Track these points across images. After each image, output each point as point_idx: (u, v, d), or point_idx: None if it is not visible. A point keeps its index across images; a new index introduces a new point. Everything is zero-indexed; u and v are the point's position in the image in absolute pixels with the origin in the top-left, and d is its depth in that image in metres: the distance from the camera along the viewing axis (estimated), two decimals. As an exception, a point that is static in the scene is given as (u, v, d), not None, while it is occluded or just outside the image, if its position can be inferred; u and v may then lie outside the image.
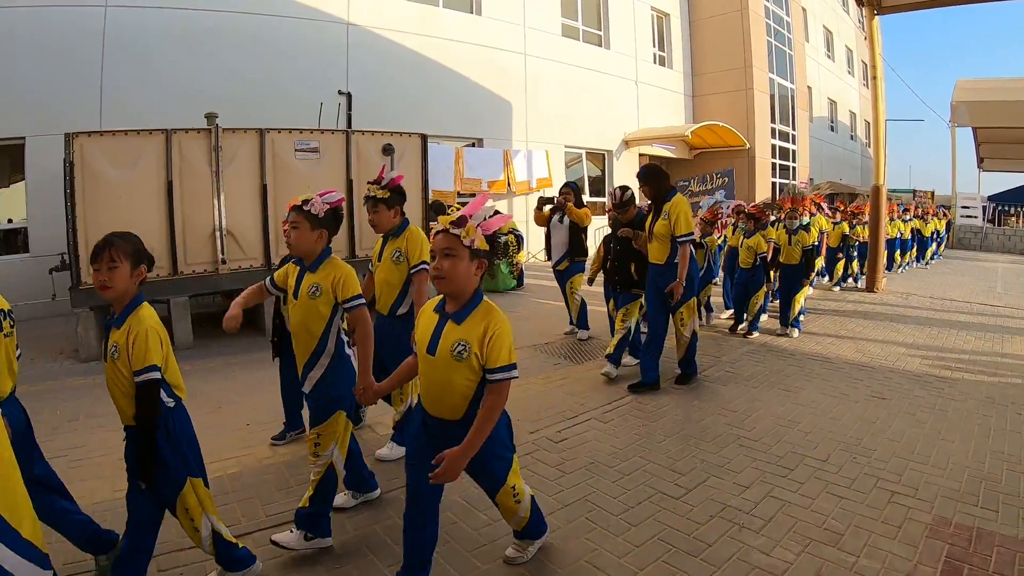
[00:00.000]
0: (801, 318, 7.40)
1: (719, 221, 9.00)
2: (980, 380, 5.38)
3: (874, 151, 10.67)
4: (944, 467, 3.64)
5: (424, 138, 8.86)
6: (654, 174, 5.03)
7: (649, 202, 5.17)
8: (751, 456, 3.80)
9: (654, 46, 19.59)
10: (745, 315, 7.13)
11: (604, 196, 17.95)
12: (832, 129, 28.94)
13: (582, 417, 4.54)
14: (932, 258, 16.53)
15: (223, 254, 7.05)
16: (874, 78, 10.30)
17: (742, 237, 7.12)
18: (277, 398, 4.19)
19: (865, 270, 11.73)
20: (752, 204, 7.81)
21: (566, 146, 16.61)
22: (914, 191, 26.15)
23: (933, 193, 26.84)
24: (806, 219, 7.35)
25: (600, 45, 17.83)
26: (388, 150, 8.08)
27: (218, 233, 7.02)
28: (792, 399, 4.83)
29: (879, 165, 10.53)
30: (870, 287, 10.68)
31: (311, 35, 12.03)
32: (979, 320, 8.26)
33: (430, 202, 12.71)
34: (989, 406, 4.69)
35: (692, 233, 4.85)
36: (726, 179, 16.89)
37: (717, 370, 5.67)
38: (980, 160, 28.21)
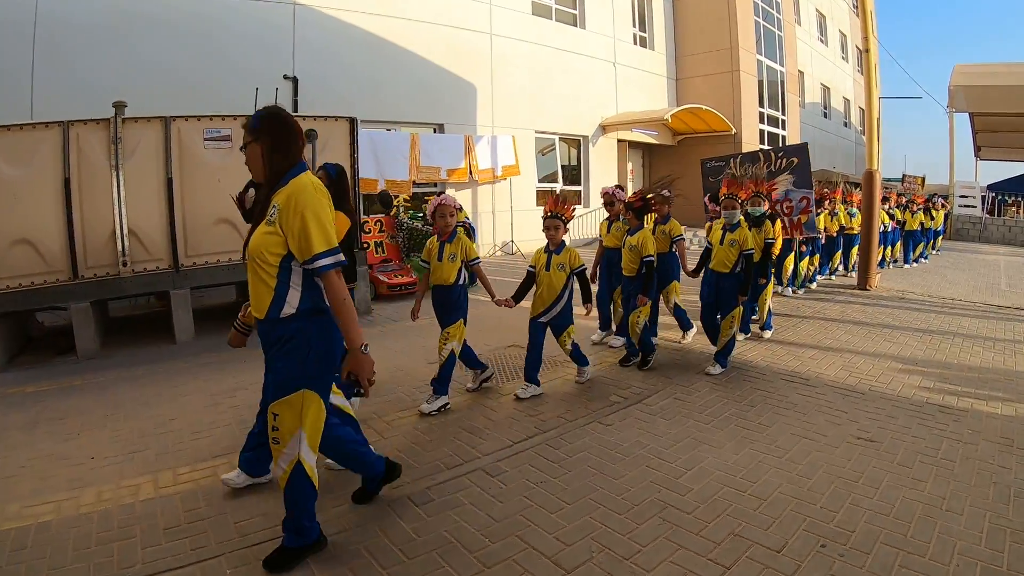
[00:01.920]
0: (759, 327, 6.29)
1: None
2: (993, 411, 4.25)
3: (867, 132, 9.51)
4: (948, 562, 2.51)
5: (352, 122, 7.93)
6: (275, 118, 2.60)
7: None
8: (675, 540, 2.67)
9: (634, 26, 18.37)
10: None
11: (579, 184, 16.90)
12: (825, 116, 27.76)
13: (465, 468, 3.41)
14: (920, 258, 13.54)
15: (125, 255, 6.41)
16: (866, 51, 9.15)
17: (625, 235, 5.41)
18: (150, 424, 4.16)
19: (832, 266, 10.61)
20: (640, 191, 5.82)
21: (536, 131, 15.44)
22: (903, 176, 24.78)
23: (924, 179, 25.63)
24: (760, 210, 5.91)
25: (575, 25, 16.65)
26: (310, 136, 7.16)
27: (119, 233, 6.37)
28: (751, 443, 3.68)
29: (872, 148, 9.39)
30: (862, 284, 9.56)
31: (254, 17, 11.03)
32: (986, 325, 7.13)
33: (378, 192, 11.67)
34: (1007, 453, 3.55)
35: (336, 251, 2.37)
36: (795, 160, 9.30)
37: (663, 397, 4.52)
38: (977, 149, 27.25)
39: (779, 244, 6.45)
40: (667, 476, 3.27)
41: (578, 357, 4.79)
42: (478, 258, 4.45)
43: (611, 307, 6.02)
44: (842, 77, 29.57)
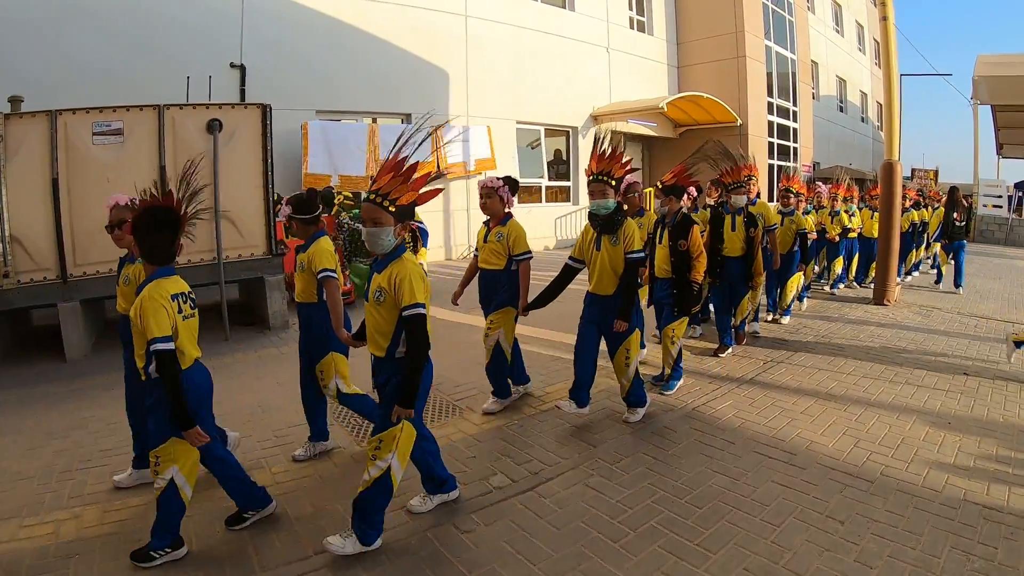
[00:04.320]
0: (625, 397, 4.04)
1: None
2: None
3: (886, 117, 8.03)
4: None
5: (265, 110, 6.98)
6: None
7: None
8: None
9: (630, 9, 16.90)
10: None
11: (568, 180, 15.46)
12: (841, 110, 26.04)
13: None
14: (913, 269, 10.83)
15: (8, 265, 5.84)
16: (884, 19, 7.66)
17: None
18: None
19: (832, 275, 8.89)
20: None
21: (519, 122, 14.04)
22: (912, 171, 22.68)
23: (936, 172, 23.74)
24: (606, 204, 3.79)
25: (563, 7, 15.23)
26: (213, 127, 6.55)
27: (1, 241, 5.84)
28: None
29: (892, 134, 7.90)
30: (879, 299, 8.05)
31: (198, 4, 9.93)
32: (1032, 356, 5.62)
33: (322, 189, 10.32)
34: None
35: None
36: None
37: (568, 482, 3.09)
38: (999, 146, 25.41)
39: (702, 268, 4.41)
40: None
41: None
42: None
43: None
44: (859, 69, 27.81)
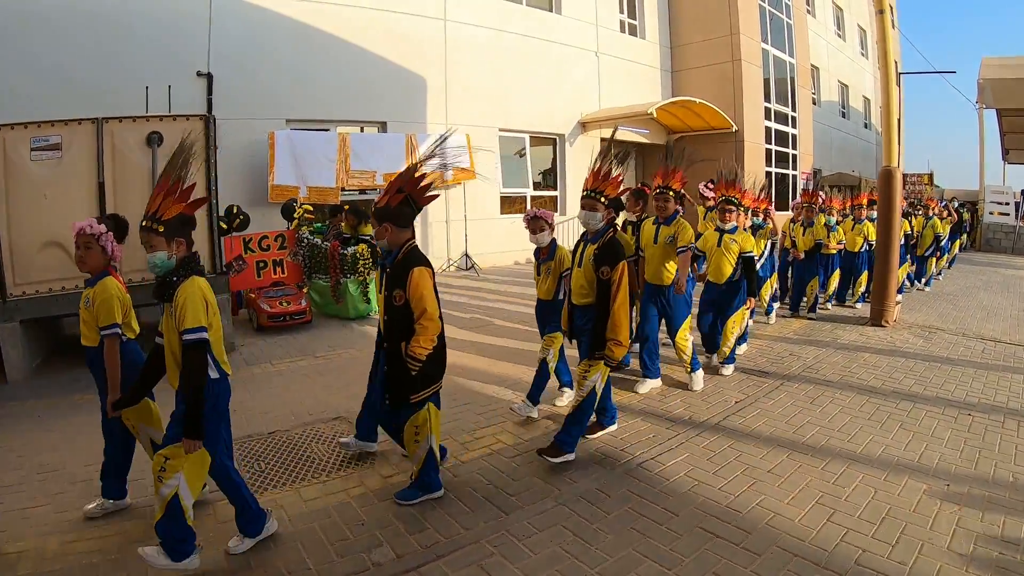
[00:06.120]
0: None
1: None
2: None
3: (884, 119, 7.40)
4: None
5: (208, 121, 6.55)
6: None
7: None
8: None
9: (621, 12, 16.33)
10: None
11: (555, 189, 14.84)
12: (843, 115, 25.38)
13: None
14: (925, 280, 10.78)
15: None
16: (880, 12, 7.05)
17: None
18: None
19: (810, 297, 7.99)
20: None
21: (501, 129, 13.47)
22: (905, 176, 21.67)
23: (931, 176, 22.93)
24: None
25: (549, 9, 14.68)
26: (154, 140, 6.24)
27: None
28: None
29: (891, 139, 7.27)
30: (876, 320, 7.39)
31: (164, 7, 9.49)
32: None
33: (285, 201, 9.77)
34: None
35: None
36: None
37: (468, 557, 2.49)
38: (1005, 152, 24.73)
39: (427, 335, 2.95)
40: None
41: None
42: None
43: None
44: (861, 74, 27.13)
